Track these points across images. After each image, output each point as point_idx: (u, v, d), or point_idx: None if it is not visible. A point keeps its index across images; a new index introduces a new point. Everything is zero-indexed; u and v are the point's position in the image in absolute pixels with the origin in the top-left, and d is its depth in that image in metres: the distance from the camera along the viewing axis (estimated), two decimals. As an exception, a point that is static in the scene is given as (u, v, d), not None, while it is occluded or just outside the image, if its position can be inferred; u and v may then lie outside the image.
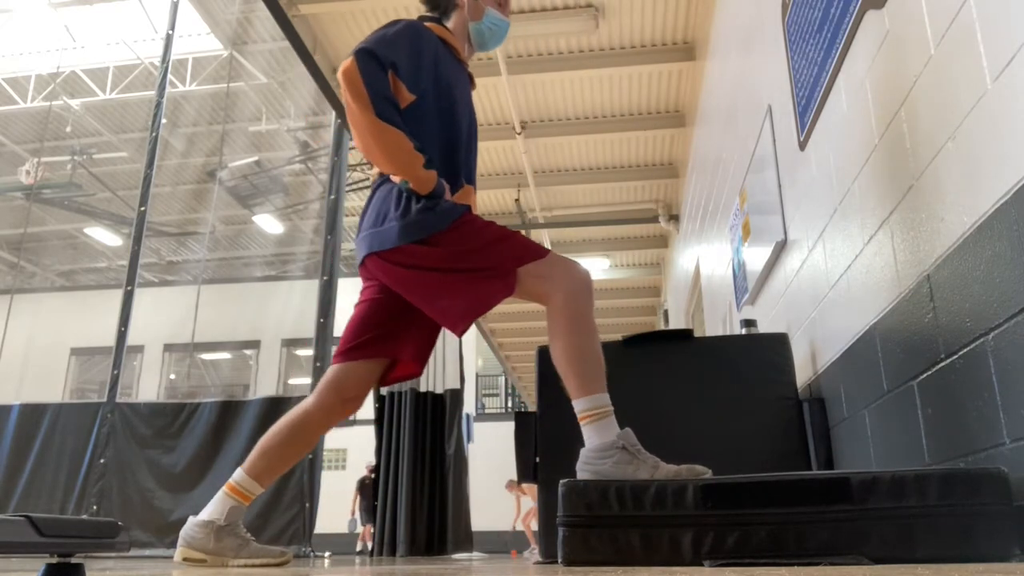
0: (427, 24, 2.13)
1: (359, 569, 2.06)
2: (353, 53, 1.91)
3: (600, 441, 1.76)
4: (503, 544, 14.72)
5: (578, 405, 1.80)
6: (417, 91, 2.01)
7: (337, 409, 2.05)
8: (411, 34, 2.03)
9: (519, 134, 6.60)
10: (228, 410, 4.88)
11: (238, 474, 2.05)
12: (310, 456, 4.68)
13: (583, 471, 1.76)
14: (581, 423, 1.80)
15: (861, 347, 2.14)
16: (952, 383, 1.59)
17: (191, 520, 2.03)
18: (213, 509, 2.03)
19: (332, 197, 5.40)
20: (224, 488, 2.05)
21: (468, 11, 2.22)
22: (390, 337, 2.07)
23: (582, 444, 1.80)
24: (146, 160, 5.81)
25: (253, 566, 1.97)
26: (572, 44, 5.60)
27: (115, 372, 5.28)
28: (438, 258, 1.89)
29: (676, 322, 8.58)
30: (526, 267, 1.87)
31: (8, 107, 9.59)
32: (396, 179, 1.96)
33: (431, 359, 5.36)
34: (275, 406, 4.82)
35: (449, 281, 1.88)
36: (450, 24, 2.23)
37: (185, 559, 2.01)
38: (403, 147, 1.89)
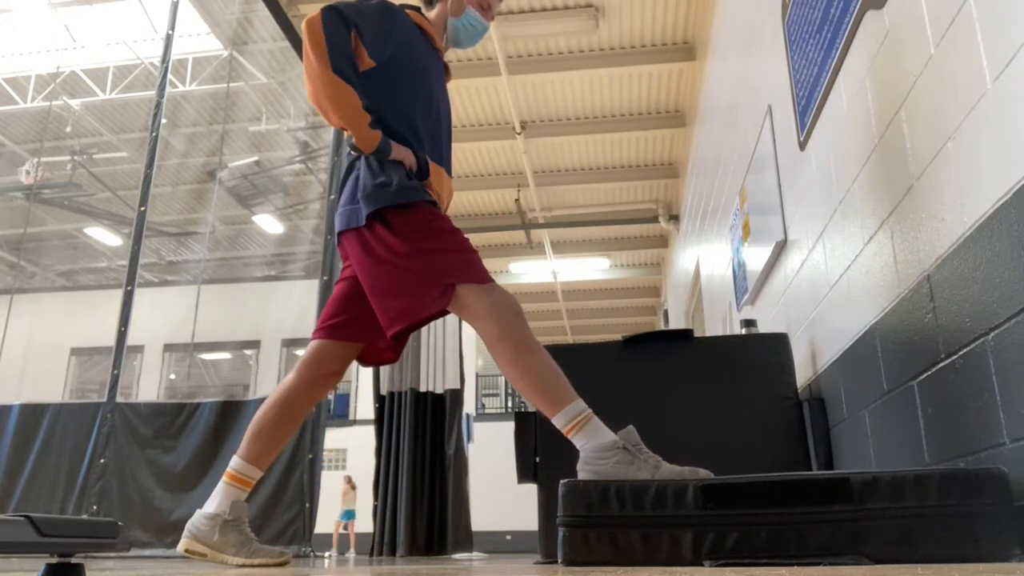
0: (406, 11, 2.17)
1: (359, 569, 2.06)
2: (321, 8, 1.97)
3: (598, 441, 1.76)
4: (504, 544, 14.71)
5: (557, 421, 1.81)
6: (379, 59, 2.05)
7: (319, 383, 2.07)
8: (383, 10, 2.09)
9: (519, 134, 6.60)
10: (228, 410, 4.87)
11: (235, 462, 2.06)
12: (310, 456, 4.68)
13: (583, 471, 1.76)
14: (568, 436, 1.81)
15: (861, 347, 2.14)
16: (952, 383, 1.59)
17: (198, 512, 2.03)
18: (218, 501, 2.03)
19: (332, 197, 5.39)
20: (224, 478, 2.06)
21: (450, 6, 2.26)
22: (366, 323, 2.09)
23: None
24: (146, 160, 5.81)
25: (252, 566, 1.97)
26: (572, 44, 5.60)
27: (115, 372, 5.27)
28: (393, 250, 1.91)
29: (676, 322, 8.59)
30: (467, 287, 1.89)
31: (8, 107, 9.58)
32: (346, 134, 2.01)
33: (431, 359, 5.36)
34: (275, 406, 4.81)
35: (397, 278, 1.90)
36: (431, 14, 2.28)
37: (187, 551, 2.01)
38: (352, 103, 1.94)
